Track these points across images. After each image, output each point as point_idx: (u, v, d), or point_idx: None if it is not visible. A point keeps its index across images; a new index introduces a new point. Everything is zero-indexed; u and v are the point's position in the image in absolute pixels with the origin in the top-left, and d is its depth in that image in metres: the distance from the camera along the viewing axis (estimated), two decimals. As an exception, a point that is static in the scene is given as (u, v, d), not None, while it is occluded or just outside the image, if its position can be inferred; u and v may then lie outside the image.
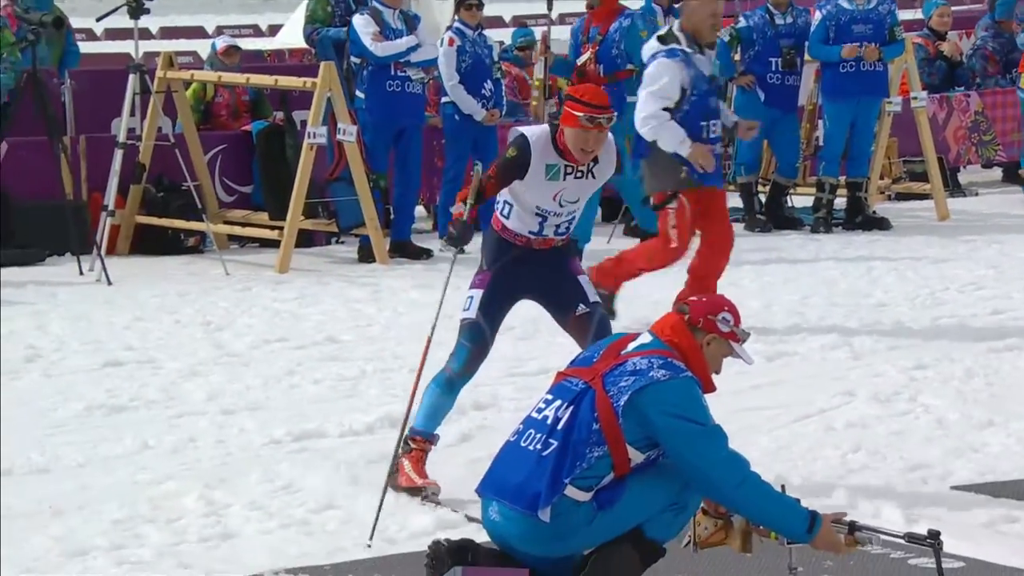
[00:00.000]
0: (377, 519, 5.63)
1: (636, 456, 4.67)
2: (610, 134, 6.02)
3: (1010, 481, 6.37)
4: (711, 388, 4.80)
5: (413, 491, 6.02)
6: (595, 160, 6.02)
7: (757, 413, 7.51)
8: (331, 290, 10.84)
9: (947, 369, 8.48)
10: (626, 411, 4.63)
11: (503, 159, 6.03)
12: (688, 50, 8.70)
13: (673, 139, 8.69)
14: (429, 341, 5.99)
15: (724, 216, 9.04)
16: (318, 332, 9.44)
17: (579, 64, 11.70)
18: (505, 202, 6.12)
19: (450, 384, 6.20)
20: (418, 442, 6.18)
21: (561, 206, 6.05)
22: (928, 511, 5.90)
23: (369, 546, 5.53)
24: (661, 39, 8.82)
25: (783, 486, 4.91)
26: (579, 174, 6.02)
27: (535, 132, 6.04)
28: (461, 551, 4.75)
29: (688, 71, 8.68)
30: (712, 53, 8.89)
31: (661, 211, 8.94)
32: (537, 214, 6.06)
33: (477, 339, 6.17)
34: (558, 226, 6.12)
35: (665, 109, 8.67)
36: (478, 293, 6.19)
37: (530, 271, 6.14)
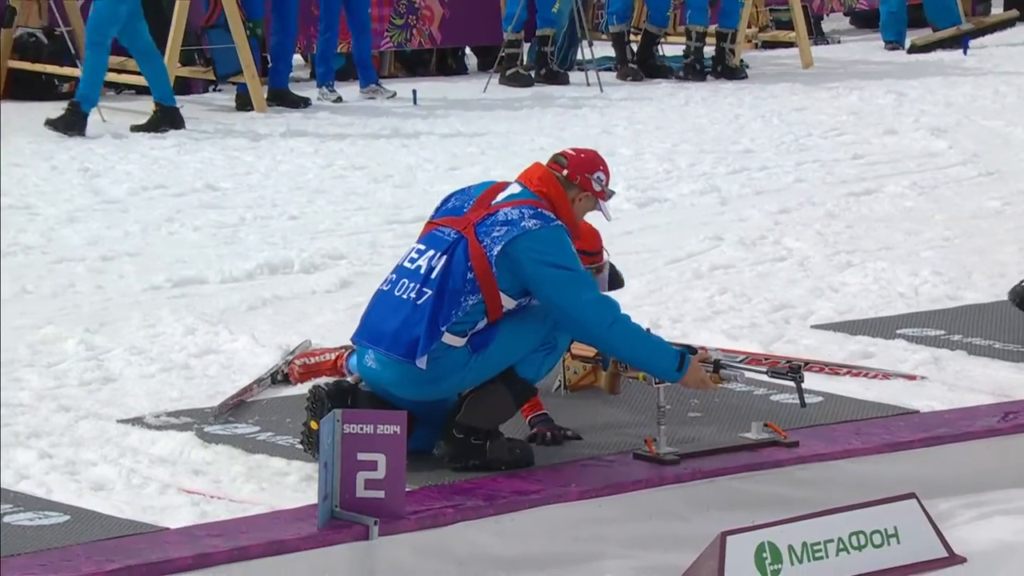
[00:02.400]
0: None
1: (508, 303, 4.68)
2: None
3: (867, 319, 6.49)
4: (578, 235, 4.81)
5: None
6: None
7: (629, 257, 7.56)
8: (209, 138, 10.71)
9: (809, 213, 8.60)
10: (499, 260, 4.62)
11: None
12: None
13: None
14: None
15: None
16: (197, 179, 9.35)
17: None
18: None
19: None
20: None
21: None
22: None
23: None
24: None
25: (648, 328, 4.95)
26: None
27: None
28: (341, 394, 4.74)
29: None
30: None
31: None
32: None
33: None
34: None
35: None
36: None
37: None
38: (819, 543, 4.30)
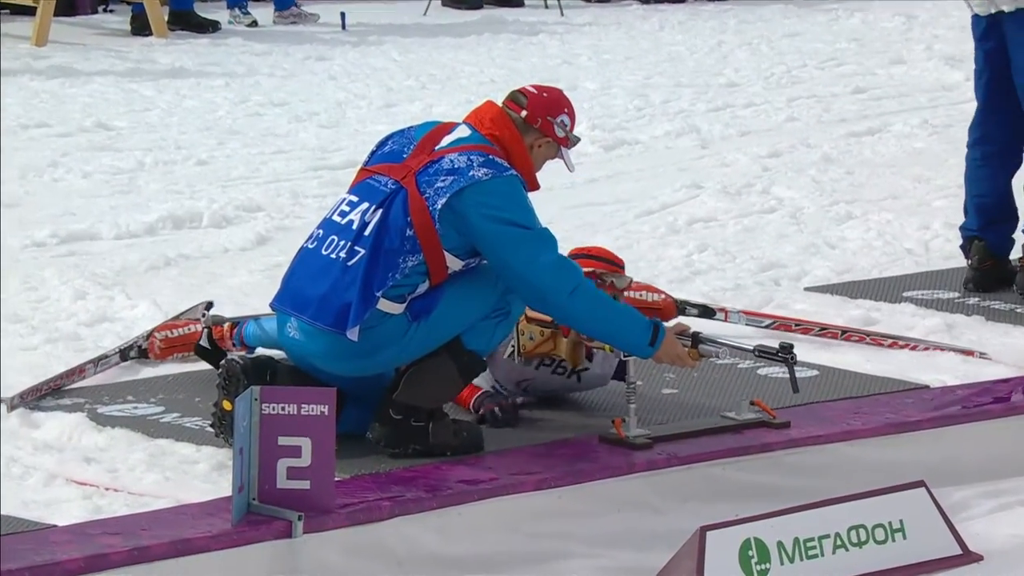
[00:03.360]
0: None
1: (454, 264, 4.71)
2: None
3: (869, 280, 6.56)
4: (535, 186, 4.84)
5: None
6: (589, 356, 5.05)
7: (594, 210, 7.61)
8: (100, 67, 10.69)
9: (803, 156, 8.67)
10: (443, 215, 4.64)
11: None
12: None
13: None
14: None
15: None
16: (86, 117, 9.34)
17: None
18: None
19: None
20: None
21: (524, 392, 5.13)
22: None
23: None
24: None
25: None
26: (560, 369, 5.07)
27: None
28: (258, 369, 4.76)
29: None
30: None
31: None
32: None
33: None
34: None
35: None
36: None
37: None
38: (813, 539, 4.36)
